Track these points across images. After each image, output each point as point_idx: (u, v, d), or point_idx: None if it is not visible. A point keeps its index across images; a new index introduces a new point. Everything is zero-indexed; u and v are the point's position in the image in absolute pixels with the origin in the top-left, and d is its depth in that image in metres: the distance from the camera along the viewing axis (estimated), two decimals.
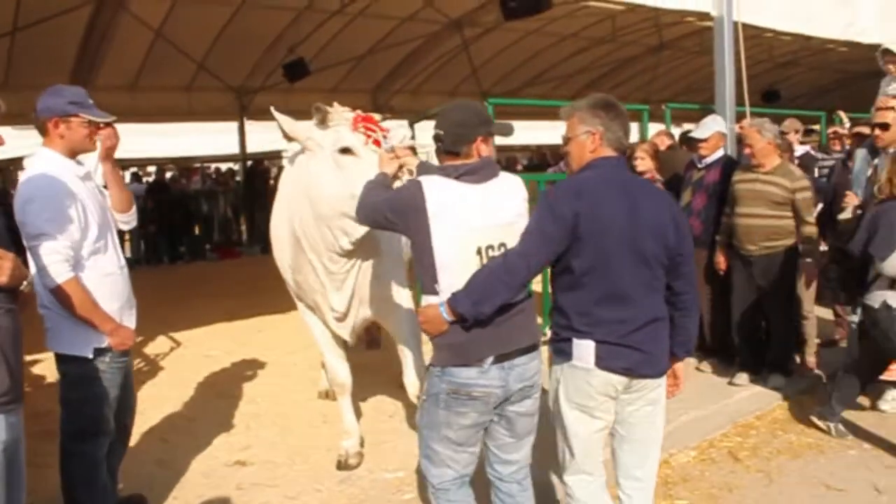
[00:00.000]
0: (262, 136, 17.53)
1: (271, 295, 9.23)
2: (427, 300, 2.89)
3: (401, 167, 3.30)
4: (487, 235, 2.83)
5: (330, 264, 3.95)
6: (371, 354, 5.98)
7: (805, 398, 5.44)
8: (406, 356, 4.39)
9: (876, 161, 5.39)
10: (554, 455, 3.15)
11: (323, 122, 3.69)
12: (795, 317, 5.79)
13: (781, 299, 5.52)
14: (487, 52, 15.37)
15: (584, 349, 2.84)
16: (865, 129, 6.94)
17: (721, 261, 5.73)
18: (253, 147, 16.58)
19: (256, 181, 16.37)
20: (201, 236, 15.83)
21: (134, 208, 3.91)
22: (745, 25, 7.39)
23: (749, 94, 7.41)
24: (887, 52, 5.76)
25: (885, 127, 5.21)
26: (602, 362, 2.82)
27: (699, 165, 6.01)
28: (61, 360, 3.49)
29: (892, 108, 5.25)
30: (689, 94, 19.38)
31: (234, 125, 15.95)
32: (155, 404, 5.54)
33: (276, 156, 19.65)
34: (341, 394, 4.57)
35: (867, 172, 5.45)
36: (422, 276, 2.89)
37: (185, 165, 17.76)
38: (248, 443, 4.90)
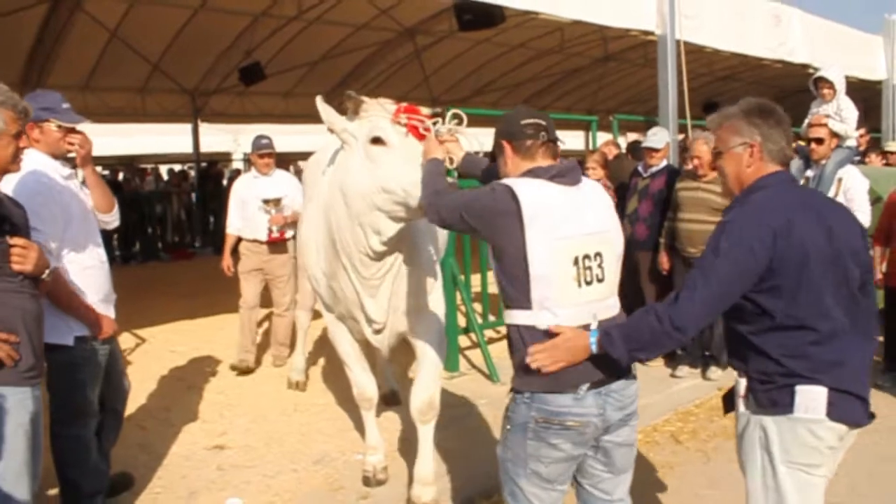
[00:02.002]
0: (215, 139, 17.68)
1: (228, 295, 9.36)
2: (513, 315, 2.56)
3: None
4: (584, 244, 2.52)
5: (362, 269, 3.61)
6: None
7: None
8: (426, 372, 4.03)
9: (808, 172, 5.94)
10: None
11: (355, 112, 3.43)
12: None
13: None
14: (439, 61, 15.76)
15: (813, 397, 2.38)
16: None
17: (664, 262, 6.18)
18: (206, 149, 16.68)
19: (210, 183, 16.47)
20: (154, 237, 15.86)
21: (116, 209, 4.14)
22: (686, 43, 7.93)
23: (690, 106, 7.94)
24: (820, 79, 6.31)
25: (819, 141, 5.77)
26: (835, 412, 2.38)
27: (644, 174, 6.45)
28: (45, 349, 3.71)
29: (825, 125, 5.81)
30: (633, 105, 20.09)
31: (187, 127, 16.02)
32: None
33: (229, 158, 19.75)
34: (368, 408, 4.30)
35: (801, 182, 5.98)
36: (509, 287, 2.55)
37: (135, 166, 17.73)
38: (223, 429, 5.18)
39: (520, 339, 2.53)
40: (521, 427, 2.55)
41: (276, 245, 6.55)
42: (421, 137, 3.24)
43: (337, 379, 5.89)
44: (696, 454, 4.79)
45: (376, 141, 3.31)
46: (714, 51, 10.52)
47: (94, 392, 3.79)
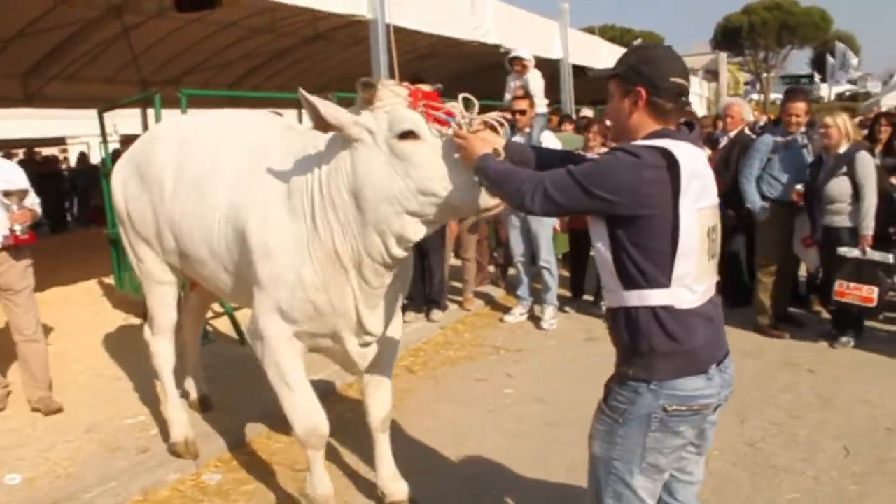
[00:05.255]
0: None
1: None
2: (646, 296, 2.28)
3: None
4: (712, 215, 2.35)
5: (373, 279, 3.20)
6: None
7: (459, 325, 7.05)
8: (387, 383, 3.83)
9: (516, 139, 7.03)
10: None
11: (370, 102, 2.96)
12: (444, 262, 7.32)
13: (438, 249, 6.99)
14: (148, 40, 15.31)
15: None
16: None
17: None
18: None
19: None
20: None
21: None
22: (394, 27, 8.80)
23: (399, 80, 8.83)
24: (515, 58, 7.42)
25: (523, 112, 6.78)
26: None
27: None
28: None
29: (526, 97, 6.86)
30: (342, 82, 20.52)
31: None
32: None
33: None
34: (319, 447, 3.56)
35: None
36: (645, 263, 2.26)
37: None
38: None
39: (655, 322, 2.27)
40: (642, 419, 2.32)
41: (14, 250, 5.02)
42: (444, 123, 2.86)
43: (94, 354, 6.03)
44: (427, 380, 5.73)
45: (406, 135, 2.88)
46: (416, 31, 11.60)
47: None
